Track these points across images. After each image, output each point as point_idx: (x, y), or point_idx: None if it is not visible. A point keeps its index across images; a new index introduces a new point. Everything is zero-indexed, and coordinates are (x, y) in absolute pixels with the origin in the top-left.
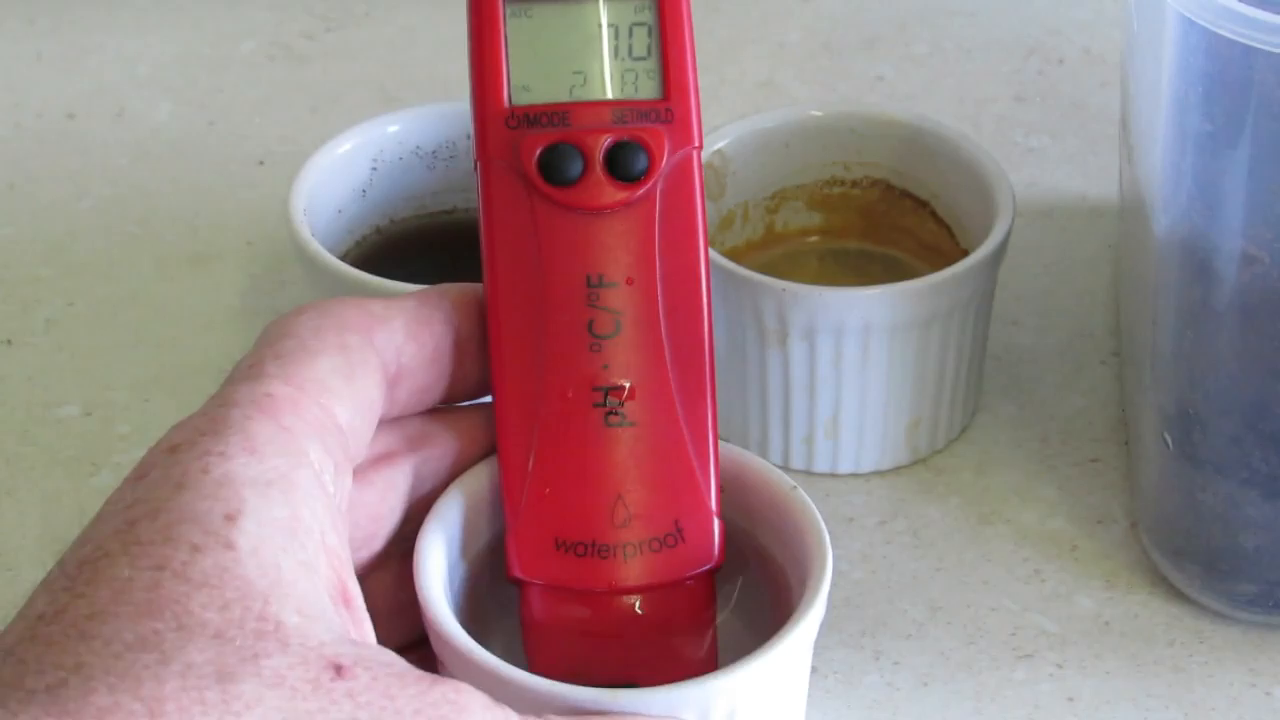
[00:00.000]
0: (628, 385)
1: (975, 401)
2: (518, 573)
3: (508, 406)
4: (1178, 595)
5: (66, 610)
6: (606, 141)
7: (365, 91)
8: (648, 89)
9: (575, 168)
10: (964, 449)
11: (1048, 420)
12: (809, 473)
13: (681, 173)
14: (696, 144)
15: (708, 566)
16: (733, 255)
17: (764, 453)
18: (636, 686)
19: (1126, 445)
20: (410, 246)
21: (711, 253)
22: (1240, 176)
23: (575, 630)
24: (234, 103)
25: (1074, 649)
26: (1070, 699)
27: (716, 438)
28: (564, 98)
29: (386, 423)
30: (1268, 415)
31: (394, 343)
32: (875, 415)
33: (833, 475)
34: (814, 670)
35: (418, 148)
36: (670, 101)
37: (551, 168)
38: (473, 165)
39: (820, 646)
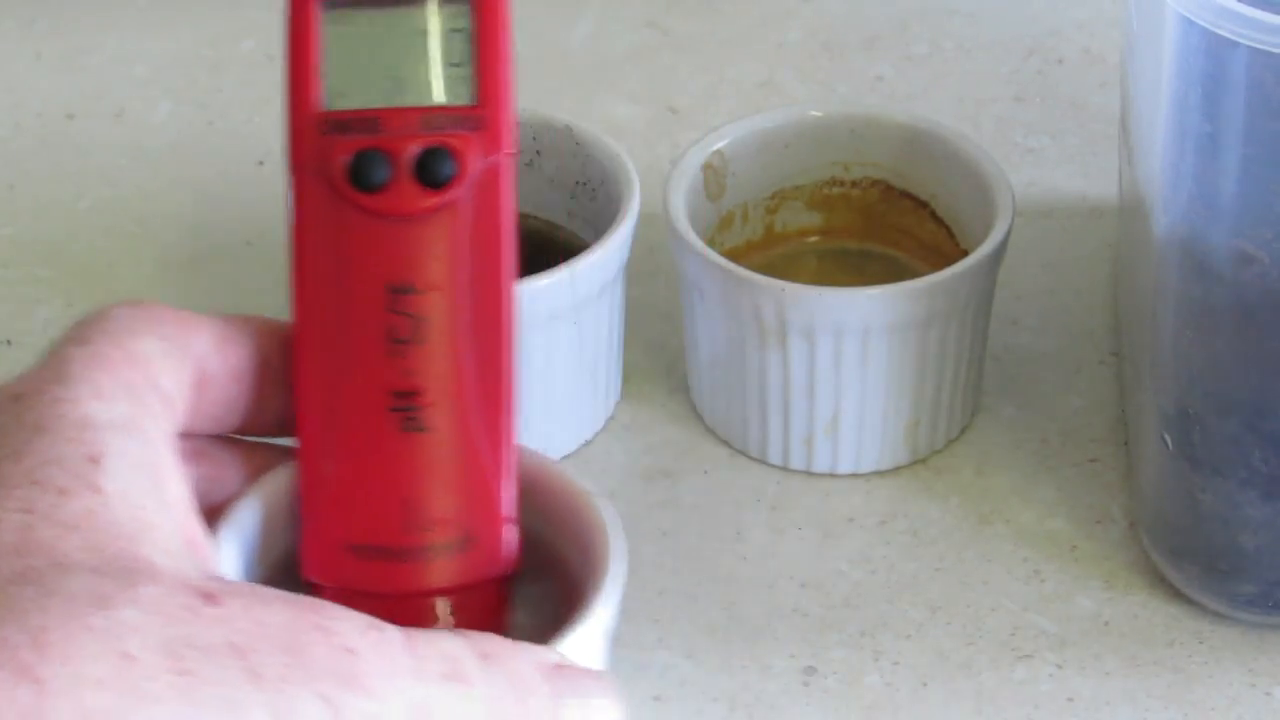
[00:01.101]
0: (426, 391)
1: (975, 402)
2: (311, 575)
3: (308, 409)
4: (1177, 595)
5: None
6: (415, 148)
7: None
8: (461, 95)
9: (382, 174)
10: (964, 449)
11: (1047, 420)
12: (809, 473)
13: (491, 179)
14: (507, 150)
15: (501, 572)
16: (732, 255)
17: (764, 453)
18: None
19: (1126, 445)
20: None
21: (711, 253)
22: (1240, 177)
23: None
24: (234, 103)
25: (1073, 649)
26: (1070, 699)
27: (515, 444)
28: (377, 103)
29: (180, 435)
30: (1267, 415)
31: (203, 347)
32: (875, 415)
33: (832, 475)
34: (814, 670)
35: None
36: (483, 108)
37: (359, 174)
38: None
39: (820, 646)
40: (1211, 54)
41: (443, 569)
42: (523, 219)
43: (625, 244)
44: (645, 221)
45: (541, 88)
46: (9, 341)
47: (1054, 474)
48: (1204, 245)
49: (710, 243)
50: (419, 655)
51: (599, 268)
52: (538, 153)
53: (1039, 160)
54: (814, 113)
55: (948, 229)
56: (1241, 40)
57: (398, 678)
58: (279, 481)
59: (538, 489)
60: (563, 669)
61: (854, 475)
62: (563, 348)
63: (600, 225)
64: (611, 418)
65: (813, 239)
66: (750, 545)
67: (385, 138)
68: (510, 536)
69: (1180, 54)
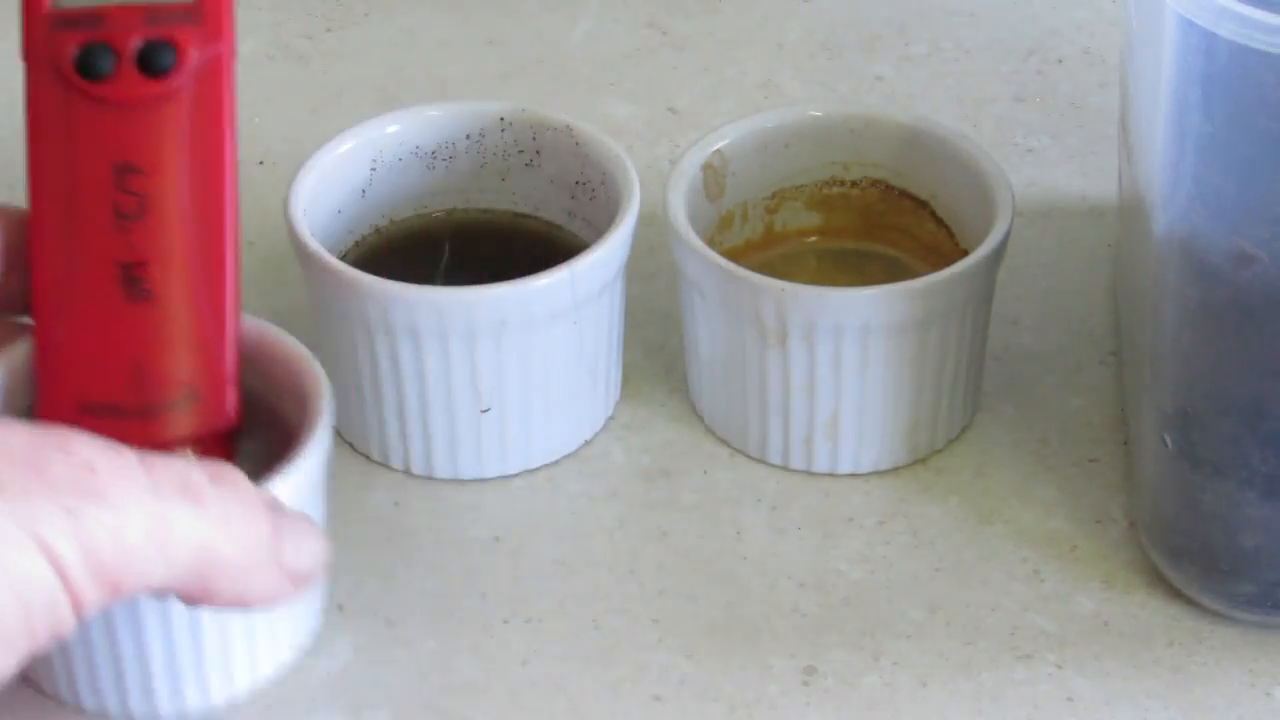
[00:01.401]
0: (150, 263)
1: (975, 402)
2: None
3: (42, 280)
4: (1177, 595)
5: None
6: (137, 40)
7: (365, 91)
8: None
9: (107, 64)
10: (964, 449)
11: (1047, 420)
12: (809, 473)
13: (211, 70)
14: (227, 43)
15: (225, 427)
16: (732, 255)
17: (763, 453)
18: None
19: (1126, 445)
20: (410, 246)
21: (711, 253)
22: (1239, 177)
23: None
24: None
25: (1073, 649)
26: (1069, 699)
27: (236, 312)
28: (103, 1)
29: None
30: (1267, 415)
31: None
32: (875, 415)
33: (832, 475)
34: (814, 670)
35: (417, 148)
36: (203, 3)
37: (85, 64)
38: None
39: (820, 646)
40: (1211, 54)
41: (170, 425)
42: (523, 219)
43: (625, 244)
44: (645, 221)
45: (541, 88)
46: None
47: (1054, 474)
48: (1204, 245)
49: (710, 243)
50: (156, 473)
51: (599, 267)
52: (538, 152)
53: (1039, 160)
54: (814, 113)
55: (947, 229)
56: (1241, 40)
57: (136, 492)
58: (19, 351)
59: (259, 353)
60: (281, 506)
61: (854, 475)
62: (563, 348)
63: (601, 225)
64: (611, 418)
65: (812, 239)
66: (750, 545)
67: (109, 31)
68: (232, 395)
69: (1180, 54)
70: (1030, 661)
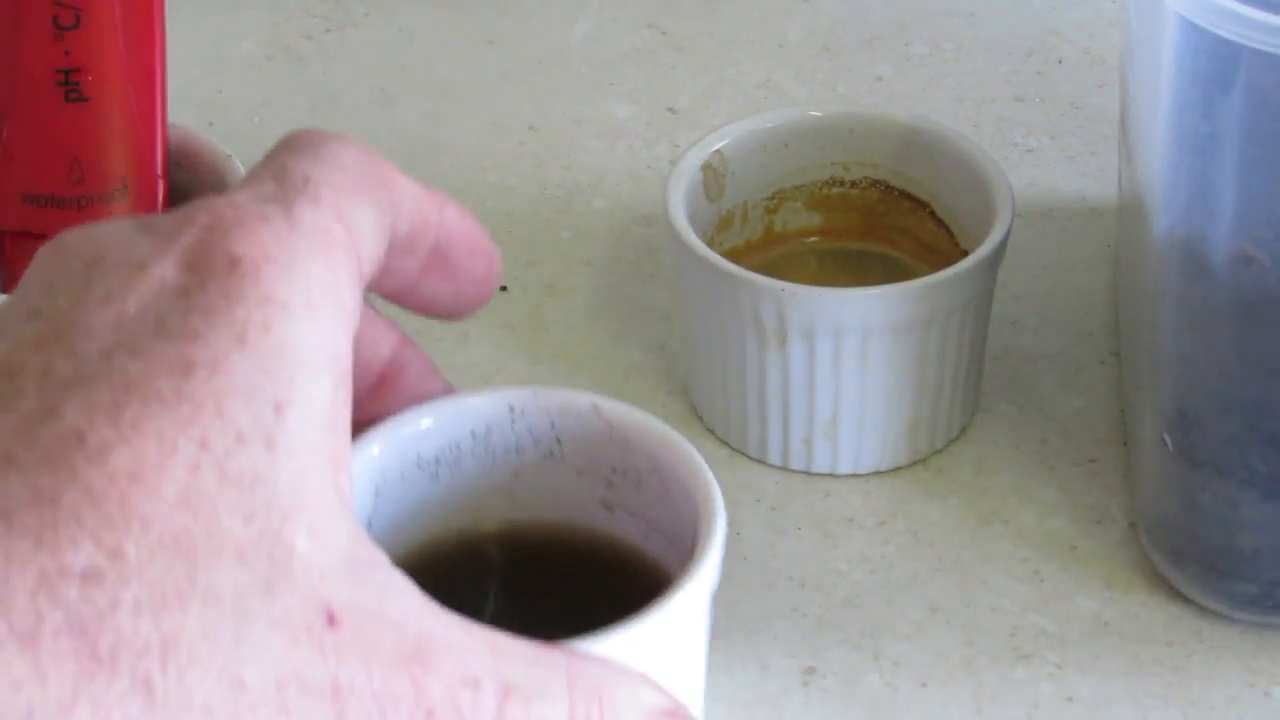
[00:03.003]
0: (85, 69)
1: (975, 402)
2: None
3: None
4: (1177, 595)
5: (109, 456)
6: None
7: (365, 91)
8: None
9: None
10: (963, 449)
11: (1047, 421)
12: (809, 473)
13: None
14: None
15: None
16: (732, 256)
17: (763, 453)
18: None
19: (1125, 446)
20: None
21: (711, 253)
22: (1240, 177)
23: None
24: (234, 103)
25: (1073, 649)
26: (1069, 699)
27: (164, 116)
28: None
29: None
30: (1267, 416)
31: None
32: (874, 415)
33: (832, 475)
34: (813, 670)
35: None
36: None
37: None
38: None
39: (820, 646)
40: (1211, 54)
41: (104, 214)
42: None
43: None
44: (645, 221)
45: (541, 88)
46: None
47: (1054, 474)
48: (1204, 245)
49: (710, 243)
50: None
51: None
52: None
53: (1039, 160)
54: (814, 113)
55: (947, 229)
56: (1241, 40)
57: None
58: None
59: (182, 151)
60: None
61: (854, 475)
62: None
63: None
64: None
65: (812, 239)
66: (750, 545)
67: None
68: (160, 189)
69: (1180, 54)
70: (1030, 661)
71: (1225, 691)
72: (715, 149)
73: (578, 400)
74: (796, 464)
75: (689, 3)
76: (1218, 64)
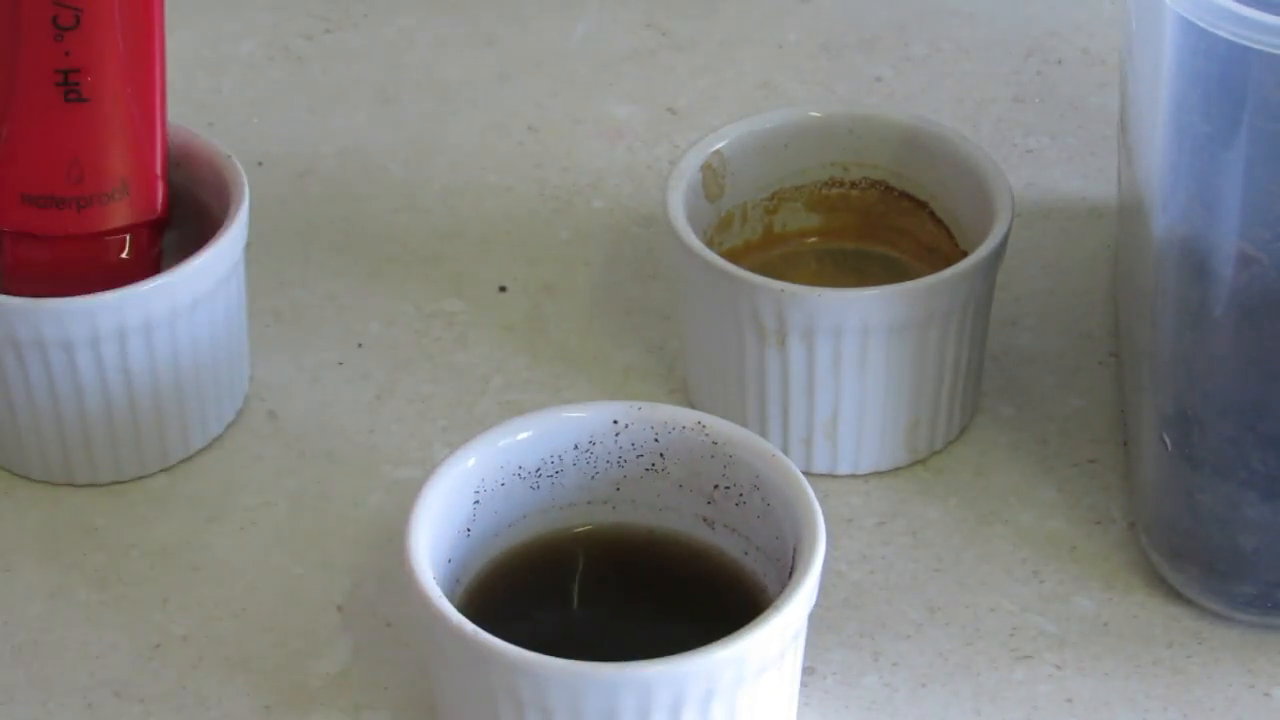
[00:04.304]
0: (85, 70)
1: (974, 402)
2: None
3: None
4: (1176, 596)
5: None
6: None
7: (364, 92)
8: None
9: None
10: (963, 449)
11: (1046, 421)
12: (808, 473)
13: None
14: None
15: (154, 218)
16: (731, 256)
17: None
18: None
19: (1125, 446)
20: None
21: (710, 254)
22: (1238, 177)
23: (44, 267)
24: (233, 103)
25: (1073, 650)
26: (1069, 700)
27: (164, 116)
28: None
29: None
30: (1266, 416)
31: None
32: (874, 416)
33: (831, 476)
34: (813, 670)
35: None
36: None
37: None
38: None
39: (819, 647)
40: (1211, 54)
41: (103, 215)
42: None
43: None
44: (644, 222)
45: (541, 88)
46: None
47: (1053, 474)
48: (1204, 245)
49: (709, 243)
50: None
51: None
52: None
53: (1038, 161)
54: (813, 113)
55: (947, 229)
56: (1241, 40)
57: None
58: None
59: (183, 152)
60: None
61: (853, 476)
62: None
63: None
64: None
65: (812, 240)
66: None
67: None
68: (160, 189)
69: (1180, 54)
70: (1030, 662)
71: (1225, 692)
72: (715, 149)
73: (682, 416)
74: (796, 464)
75: (689, 3)
76: (1218, 64)
